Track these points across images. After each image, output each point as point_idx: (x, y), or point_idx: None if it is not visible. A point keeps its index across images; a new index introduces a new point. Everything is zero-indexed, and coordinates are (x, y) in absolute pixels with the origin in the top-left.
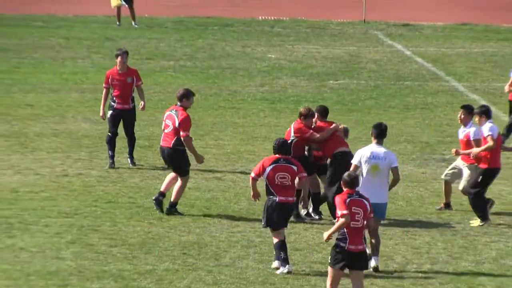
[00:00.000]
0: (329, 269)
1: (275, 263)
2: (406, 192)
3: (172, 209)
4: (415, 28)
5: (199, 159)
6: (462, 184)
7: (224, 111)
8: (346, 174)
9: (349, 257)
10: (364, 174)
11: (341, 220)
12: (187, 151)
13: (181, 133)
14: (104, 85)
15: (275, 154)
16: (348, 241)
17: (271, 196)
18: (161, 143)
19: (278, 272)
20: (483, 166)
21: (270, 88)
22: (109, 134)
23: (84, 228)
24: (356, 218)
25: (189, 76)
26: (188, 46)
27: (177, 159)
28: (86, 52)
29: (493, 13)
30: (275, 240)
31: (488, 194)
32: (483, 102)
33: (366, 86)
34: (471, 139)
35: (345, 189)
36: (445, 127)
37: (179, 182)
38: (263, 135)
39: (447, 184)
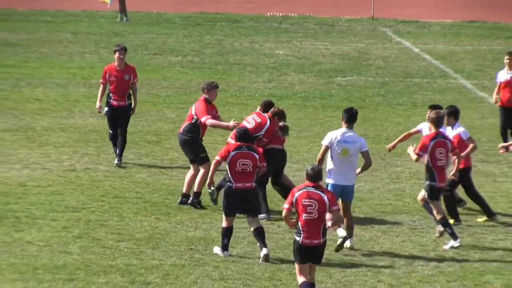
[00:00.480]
0: (295, 263)
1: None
2: (414, 190)
3: (195, 201)
4: (423, 25)
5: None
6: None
7: (231, 107)
8: (310, 167)
9: (304, 251)
10: (334, 157)
11: (283, 213)
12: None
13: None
14: (101, 80)
15: (237, 141)
16: (302, 235)
17: (229, 184)
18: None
19: (215, 250)
20: (461, 166)
21: (277, 84)
22: (110, 132)
23: (91, 223)
24: (309, 210)
25: (197, 71)
26: (196, 42)
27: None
28: (94, 47)
29: (502, 10)
30: (224, 224)
31: (496, 193)
32: (491, 100)
33: (374, 83)
34: (464, 138)
35: (306, 181)
36: None
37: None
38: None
39: None
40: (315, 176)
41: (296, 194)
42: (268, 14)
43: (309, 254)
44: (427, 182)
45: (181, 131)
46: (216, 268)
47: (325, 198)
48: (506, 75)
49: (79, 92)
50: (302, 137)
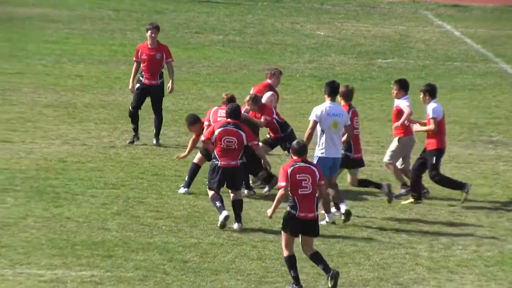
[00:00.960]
0: (282, 233)
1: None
2: (453, 173)
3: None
4: (465, 9)
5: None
6: (386, 155)
7: None
8: (295, 141)
9: (300, 224)
10: (326, 131)
11: (281, 192)
12: None
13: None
14: (134, 58)
15: (227, 118)
16: (298, 208)
17: (214, 160)
18: None
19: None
20: (432, 147)
21: (318, 65)
22: (131, 108)
23: (130, 200)
24: (303, 185)
25: (238, 51)
26: (237, 21)
27: None
28: (135, 24)
29: None
30: (211, 194)
31: None
32: None
33: (414, 66)
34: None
35: (293, 157)
36: (493, 109)
37: None
38: (310, 111)
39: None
40: (301, 150)
41: (289, 171)
42: None
43: (304, 227)
44: (343, 152)
45: None
46: (254, 248)
47: (316, 171)
48: None
49: (120, 69)
50: None
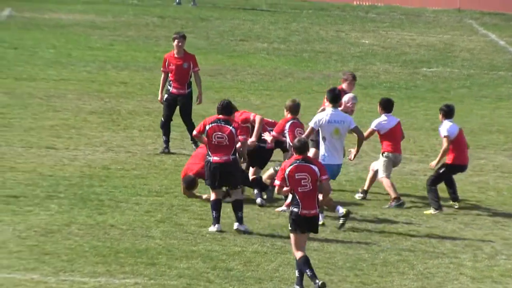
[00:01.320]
0: (291, 235)
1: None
2: (497, 183)
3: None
4: (509, 17)
5: None
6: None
7: (316, 95)
8: (296, 139)
9: (304, 221)
10: (327, 138)
11: (275, 190)
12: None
13: None
14: (162, 69)
15: (218, 114)
16: (300, 206)
17: (208, 157)
18: None
19: (209, 229)
20: (447, 161)
21: (363, 73)
22: (162, 119)
23: (174, 208)
24: (303, 183)
25: (283, 59)
26: (282, 29)
27: None
28: (180, 31)
29: None
30: (212, 197)
31: None
32: None
33: (459, 75)
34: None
35: (295, 155)
36: None
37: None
38: (355, 120)
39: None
40: (302, 147)
41: (287, 170)
42: (355, 3)
43: (309, 224)
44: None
45: None
46: None
47: (316, 169)
48: None
49: None
50: None
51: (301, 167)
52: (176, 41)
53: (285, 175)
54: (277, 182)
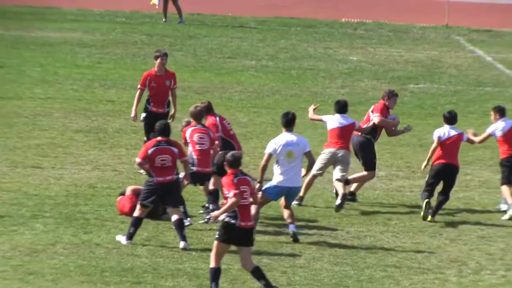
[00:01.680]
0: (216, 243)
1: (121, 238)
2: (482, 198)
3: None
4: (497, 34)
5: None
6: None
7: (304, 112)
8: (229, 154)
9: (240, 234)
10: (280, 161)
11: (233, 199)
12: None
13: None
14: (140, 86)
15: (157, 137)
16: (239, 218)
17: (151, 177)
18: None
19: (117, 237)
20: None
21: (351, 90)
22: (145, 139)
23: (160, 226)
24: (245, 196)
25: (271, 76)
26: (270, 46)
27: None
28: (168, 49)
29: None
30: (135, 214)
31: None
32: None
33: (446, 91)
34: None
35: (229, 170)
36: None
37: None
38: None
39: None
40: (236, 161)
41: (235, 180)
42: (343, 20)
43: (242, 237)
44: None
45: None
46: (284, 274)
47: (252, 182)
48: None
49: None
50: None
51: (243, 180)
52: (159, 59)
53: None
54: (235, 191)
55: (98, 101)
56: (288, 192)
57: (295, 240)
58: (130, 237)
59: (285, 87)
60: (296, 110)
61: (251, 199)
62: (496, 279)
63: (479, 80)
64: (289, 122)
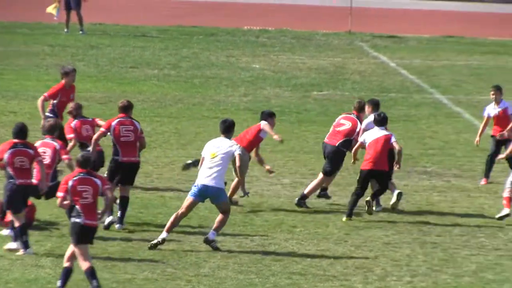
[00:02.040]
0: (76, 248)
1: (12, 245)
2: (387, 204)
3: (302, 201)
4: (400, 40)
5: None
6: None
7: (207, 120)
8: (80, 155)
9: (86, 232)
10: (204, 161)
11: (57, 201)
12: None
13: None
14: (49, 96)
15: (13, 138)
16: (83, 217)
17: (11, 180)
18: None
19: (20, 253)
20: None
21: (253, 98)
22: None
23: (64, 237)
24: (84, 196)
25: (173, 85)
26: (172, 55)
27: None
28: (70, 59)
29: (479, 26)
30: (16, 224)
31: (469, 208)
32: (467, 115)
33: (350, 98)
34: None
35: (76, 168)
36: (427, 140)
37: (319, 179)
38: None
39: None
40: (84, 162)
41: (70, 182)
42: (245, 27)
43: (89, 235)
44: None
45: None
46: (189, 283)
47: (98, 182)
48: (494, 110)
49: None
50: (277, 151)
51: (84, 180)
52: (70, 76)
53: (68, 187)
54: (60, 194)
55: (0, 112)
56: (207, 191)
57: (211, 246)
58: (26, 245)
59: (188, 96)
60: (200, 119)
61: (94, 198)
62: (402, 285)
63: (383, 86)
64: (226, 129)
